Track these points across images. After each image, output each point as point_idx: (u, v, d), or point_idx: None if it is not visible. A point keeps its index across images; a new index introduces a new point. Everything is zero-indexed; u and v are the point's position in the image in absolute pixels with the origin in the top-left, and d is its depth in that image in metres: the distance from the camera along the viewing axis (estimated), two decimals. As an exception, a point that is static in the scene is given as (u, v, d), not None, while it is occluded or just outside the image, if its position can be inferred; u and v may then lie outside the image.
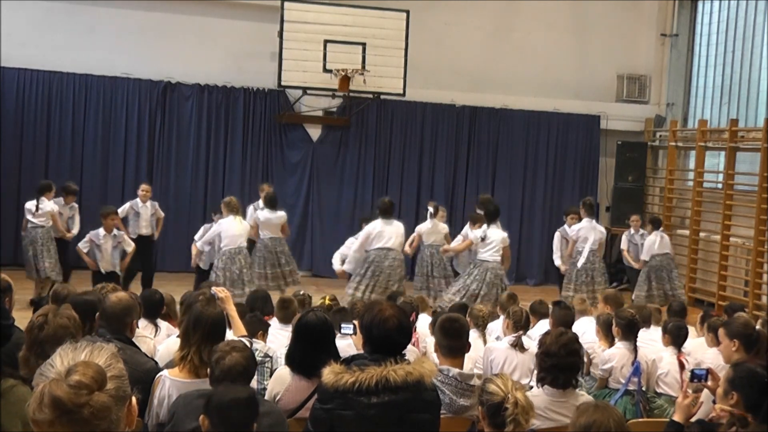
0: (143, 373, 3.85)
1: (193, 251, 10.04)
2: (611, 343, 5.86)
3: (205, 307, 4.00)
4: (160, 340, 5.52)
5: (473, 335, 5.35)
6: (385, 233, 9.49)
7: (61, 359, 1.81)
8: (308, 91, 12.64)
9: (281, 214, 10.54)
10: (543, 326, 6.43)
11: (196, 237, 10.08)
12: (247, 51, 13.00)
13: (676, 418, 3.77)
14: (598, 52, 14.38)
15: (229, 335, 4.48)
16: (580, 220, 10.80)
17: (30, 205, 10.18)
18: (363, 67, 12.42)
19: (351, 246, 10.00)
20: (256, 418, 3.05)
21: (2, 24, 11.84)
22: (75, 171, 12.53)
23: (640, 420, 4.89)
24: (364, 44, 12.48)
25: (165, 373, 3.88)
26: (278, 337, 5.80)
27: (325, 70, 12.34)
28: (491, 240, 9.54)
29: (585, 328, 6.46)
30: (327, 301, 6.65)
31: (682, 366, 5.64)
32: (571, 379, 4.00)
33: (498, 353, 5.42)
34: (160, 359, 4.55)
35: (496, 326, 6.65)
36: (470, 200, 13.85)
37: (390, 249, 9.49)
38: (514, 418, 3.14)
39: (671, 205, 14.04)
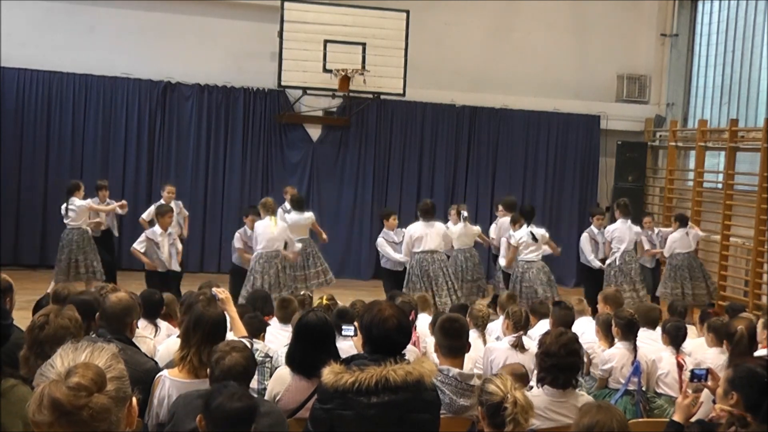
0: (143, 374, 3.85)
1: (244, 257, 9.75)
2: (611, 344, 5.86)
3: (206, 308, 4.01)
4: (160, 341, 5.52)
5: (473, 335, 5.35)
6: (426, 236, 9.47)
7: (61, 360, 1.81)
8: (308, 91, 12.64)
9: (308, 215, 10.59)
10: (543, 326, 6.43)
11: (237, 244, 9.88)
12: (247, 51, 13.00)
13: (676, 418, 3.77)
14: (598, 52, 14.38)
15: (230, 336, 4.48)
16: (610, 221, 10.88)
17: (63, 209, 10.10)
18: (363, 67, 12.42)
19: (383, 245, 10.00)
20: (255, 420, 3.04)
21: (2, 24, 11.84)
22: (75, 171, 12.52)
23: (640, 420, 4.89)
24: (364, 44, 12.48)
25: (165, 373, 3.88)
26: (278, 337, 5.80)
27: (325, 70, 12.34)
28: (538, 240, 9.77)
29: (584, 328, 6.46)
30: (325, 301, 6.65)
31: (680, 366, 5.64)
32: (570, 379, 4.01)
33: (498, 353, 5.42)
34: (160, 359, 4.55)
35: (496, 326, 6.65)
36: (470, 200, 13.87)
37: (434, 251, 9.47)
38: (514, 417, 3.15)
39: (671, 205, 14.03)
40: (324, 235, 10.85)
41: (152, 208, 10.41)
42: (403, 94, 12.83)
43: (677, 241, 10.96)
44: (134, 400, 1.88)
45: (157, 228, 9.42)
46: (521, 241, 9.82)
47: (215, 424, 2.98)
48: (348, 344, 4.95)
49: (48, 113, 12.57)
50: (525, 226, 9.92)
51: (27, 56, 12.23)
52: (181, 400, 3.51)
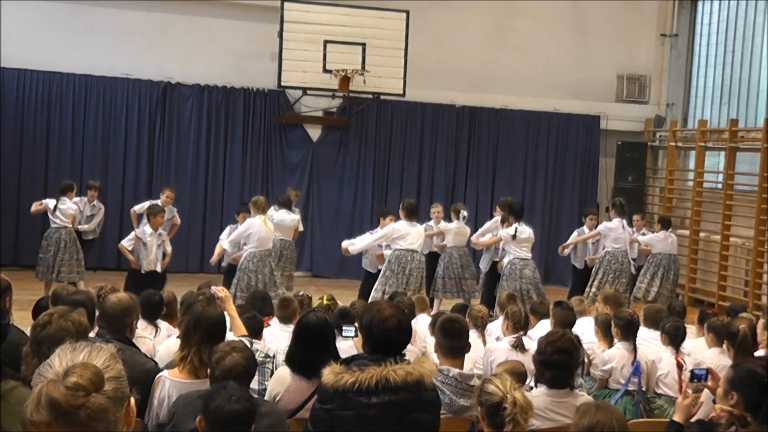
0: (143, 374, 3.85)
1: (217, 250, 9.84)
2: (610, 344, 5.86)
3: (206, 308, 4.00)
4: (160, 341, 5.52)
5: (473, 335, 5.34)
6: (409, 235, 9.44)
7: (59, 360, 1.81)
8: (308, 92, 12.64)
9: (296, 218, 10.66)
10: (543, 326, 6.43)
11: (222, 236, 9.92)
12: (247, 51, 13.00)
13: (676, 418, 3.77)
14: (598, 52, 14.38)
15: (230, 336, 4.48)
16: (598, 221, 10.97)
17: (50, 203, 10.14)
18: (363, 67, 12.42)
19: (364, 237, 9.99)
20: (254, 422, 3.04)
21: (2, 24, 11.84)
22: (75, 171, 12.53)
23: (640, 420, 4.89)
24: (363, 44, 12.48)
25: (165, 373, 3.88)
26: (278, 337, 5.80)
27: (325, 71, 12.35)
28: (524, 237, 9.73)
29: (584, 329, 6.45)
30: (325, 301, 6.65)
31: (680, 366, 5.64)
32: (563, 377, 3.99)
33: (498, 354, 5.42)
34: (160, 360, 4.55)
35: (496, 327, 6.64)
36: (470, 200, 13.87)
37: (414, 251, 9.45)
38: (513, 417, 3.15)
39: (671, 205, 14.03)
40: (296, 235, 10.96)
41: (146, 204, 10.49)
42: (403, 95, 12.83)
43: (659, 241, 11.17)
44: (132, 400, 1.88)
45: (147, 228, 9.42)
46: (505, 235, 9.81)
47: (213, 425, 2.98)
48: (348, 344, 4.95)
49: (48, 113, 12.56)
50: (515, 224, 9.89)
51: (27, 56, 12.22)
52: (181, 400, 3.50)
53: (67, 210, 10.08)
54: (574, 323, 6.31)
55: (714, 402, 3.82)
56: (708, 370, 4.18)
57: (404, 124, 13.83)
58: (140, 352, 4.21)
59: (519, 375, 4.28)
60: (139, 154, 12.91)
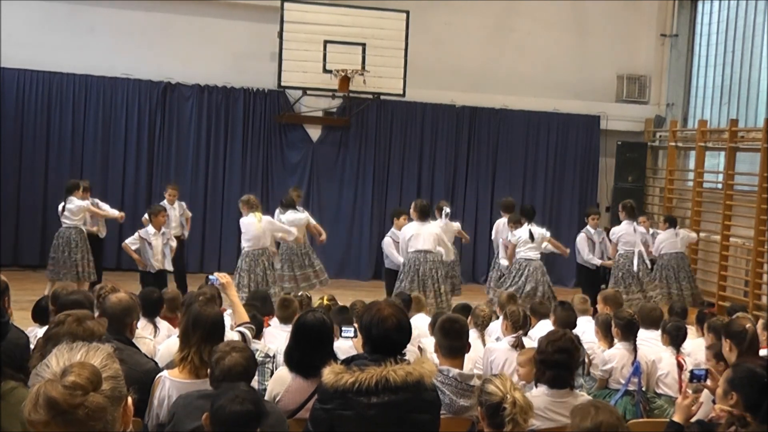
0: (143, 374, 3.85)
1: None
2: (610, 344, 5.86)
3: (204, 307, 4.00)
4: (160, 341, 5.52)
5: (473, 335, 5.34)
6: (420, 236, 9.45)
7: (56, 360, 1.81)
8: (308, 92, 12.64)
9: (305, 215, 10.68)
10: (543, 326, 6.43)
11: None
12: (247, 51, 13.00)
13: (676, 418, 3.77)
14: (598, 52, 14.38)
15: (229, 337, 4.49)
16: (611, 221, 11.04)
17: (60, 207, 10.15)
18: (363, 67, 12.42)
19: (389, 245, 10.07)
20: (260, 424, 3.03)
21: (2, 24, 11.84)
22: (75, 171, 12.52)
23: (640, 420, 4.89)
24: (363, 44, 12.48)
25: (165, 373, 3.88)
26: (278, 338, 5.80)
27: (325, 71, 12.34)
28: (535, 238, 9.83)
29: (584, 328, 6.45)
30: (325, 301, 6.65)
31: (680, 366, 5.64)
32: (564, 377, 4.00)
33: (498, 354, 5.42)
34: (160, 360, 4.55)
35: (496, 327, 6.64)
36: (470, 200, 13.88)
37: (428, 252, 9.45)
38: (512, 418, 3.15)
39: (671, 205, 14.03)
40: (323, 236, 10.85)
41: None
42: (403, 95, 12.83)
43: (665, 241, 11.07)
44: (129, 399, 1.88)
45: (150, 228, 9.43)
46: (519, 239, 9.89)
47: (216, 425, 2.98)
48: (348, 344, 4.96)
49: (48, 113, 12.56)
50: (526, 225, 9.99)
51: (27, 56, 12.22)
52: (181, 400, 3.51)
53: (75, 209, 10.05)
54: (575, 324, 6.31)
55: (714, 402, 3.81)
56: (707, 371, 4.18)
57: (404, 124, 13.83)
58: (140, 352, 4.21)
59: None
60: (139, 154, 12.91)
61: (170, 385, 3.79)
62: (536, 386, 4.09)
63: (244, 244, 9.38)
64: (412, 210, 9.73)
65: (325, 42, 12.35)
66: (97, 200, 10.76)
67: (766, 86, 12.39)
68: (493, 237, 11.30)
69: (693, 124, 13.98)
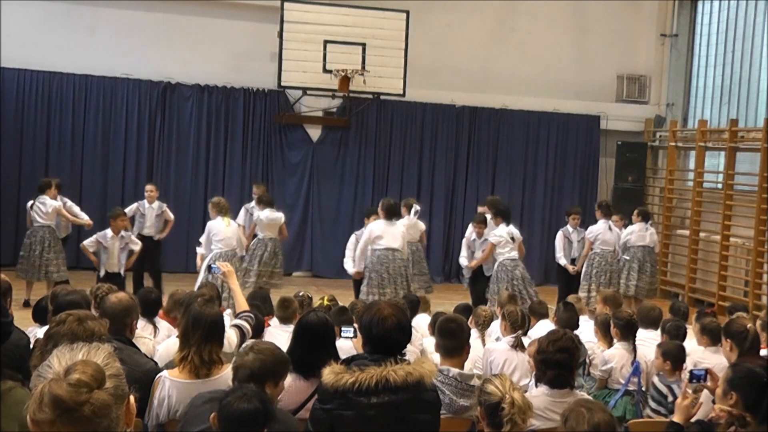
0: (143, 374, 3.85)
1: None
2: (610, 344, 5.86)
3: (203, 307, 4.00)
4: (160, 341, 5.52)
5: (473, 335, 5.34)
6: (388, 233, 9.45)
7: (58, 360, 1.81)
8: (308, 92, 12.64)
9: (280, 215, 10.67)
10: (542, 326, 6.43)
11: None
12: (247, 51, 13.00)
13: (676, 418, 3.77)
14: (598, 52, 14.38)
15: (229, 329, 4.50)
16: (592, 220, 10.99)
17: (29, 205, 10.16)
18: (363, 67, 12.42)
19: (353, 246, 10.01)
20: (266, 424, 3.02)
21: (2, 24, 11.84)
22: (75, 171, 12.54)
23: (640, 420, 4.88)
24: (363, 44, 12.48)
25: (165, 373, 3.88)
26: (278, 338, 5.80)
27: (325, 71, 12.35)
28: (513, 239, 9.77)
29: (581, 328, 6.44)
30: (326, 302, 6.65)
31: (680, 366, 5.63)
32: (564, 376, 3.99)
33: (498, 354, 5.42)
34: (159, 360, 4.55)
35: (495, 327, 6.64)
36: (470, 200, 13.87)
37: (396, 249, 9.44)
38: (511, 418, 3.15)
39: (671, 205, 14.04)
40: (286, 233, 10.94)
41: (134, 206, 10.66)
42: (403, 95, 12.83)
43: (633, 233, 11.08)
44: (132, 398, 1.89)
45: (108, 231, 9.43)
46: (500, 239, 9.81)
47: (223, 423, 2.97)
48: (348, 344, 4.96)
49: (48, 113, 12.57)
50: (503, 225, 9.88)
51: (27, 56, 12.23)
52: (193, 401, 3.49)
53: (46, 208, 10.01)
54: (577, 325, 6.30)
55: (713, 402, 3.81)
56: (707, 371, 4.17)
57: (404, 124, 13.83)
58: (140, 352, 4.21)
59: None
60: (139, 154, 12.91)
61: (170, 385, 3.79)
62: (536, 386, 4.09)
63: (214, 246, 9.36)
64: (379, 209, 9.72)
65: (325, 42, 12.36)
66: (68, 200, 10.72)
67: (766, 86, 12.40)
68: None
69: (693, 124, 13.98)
